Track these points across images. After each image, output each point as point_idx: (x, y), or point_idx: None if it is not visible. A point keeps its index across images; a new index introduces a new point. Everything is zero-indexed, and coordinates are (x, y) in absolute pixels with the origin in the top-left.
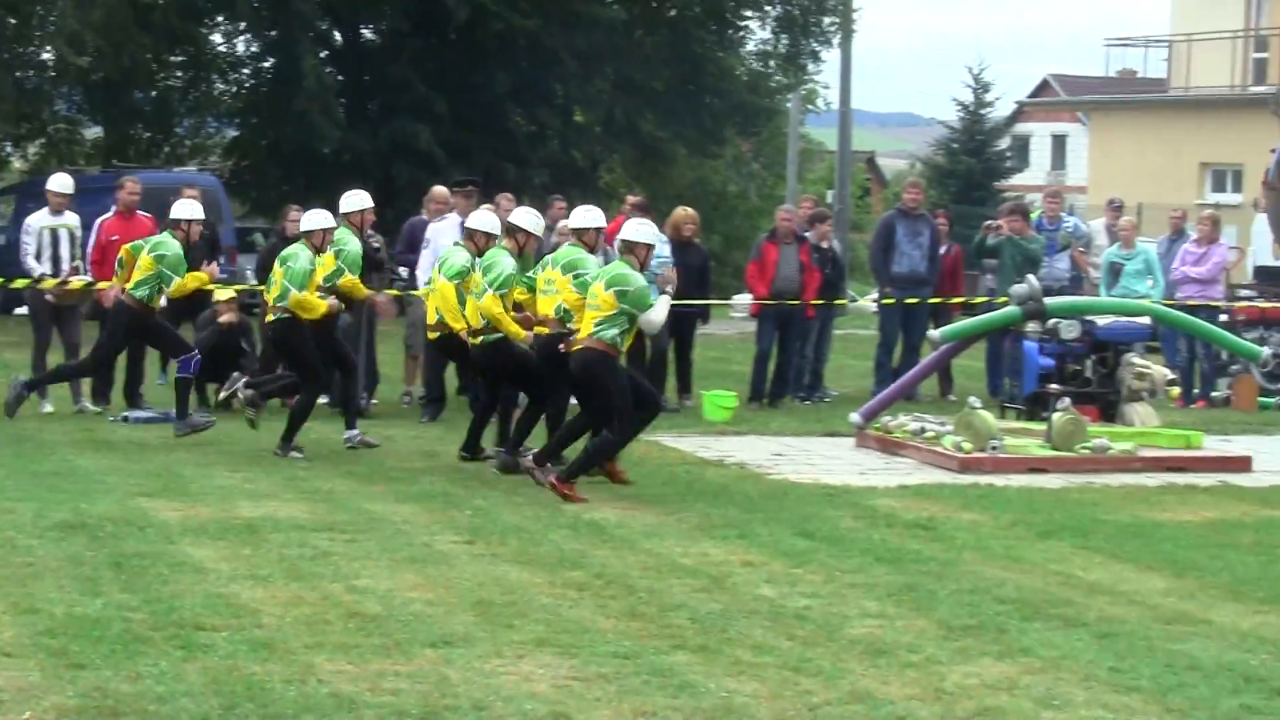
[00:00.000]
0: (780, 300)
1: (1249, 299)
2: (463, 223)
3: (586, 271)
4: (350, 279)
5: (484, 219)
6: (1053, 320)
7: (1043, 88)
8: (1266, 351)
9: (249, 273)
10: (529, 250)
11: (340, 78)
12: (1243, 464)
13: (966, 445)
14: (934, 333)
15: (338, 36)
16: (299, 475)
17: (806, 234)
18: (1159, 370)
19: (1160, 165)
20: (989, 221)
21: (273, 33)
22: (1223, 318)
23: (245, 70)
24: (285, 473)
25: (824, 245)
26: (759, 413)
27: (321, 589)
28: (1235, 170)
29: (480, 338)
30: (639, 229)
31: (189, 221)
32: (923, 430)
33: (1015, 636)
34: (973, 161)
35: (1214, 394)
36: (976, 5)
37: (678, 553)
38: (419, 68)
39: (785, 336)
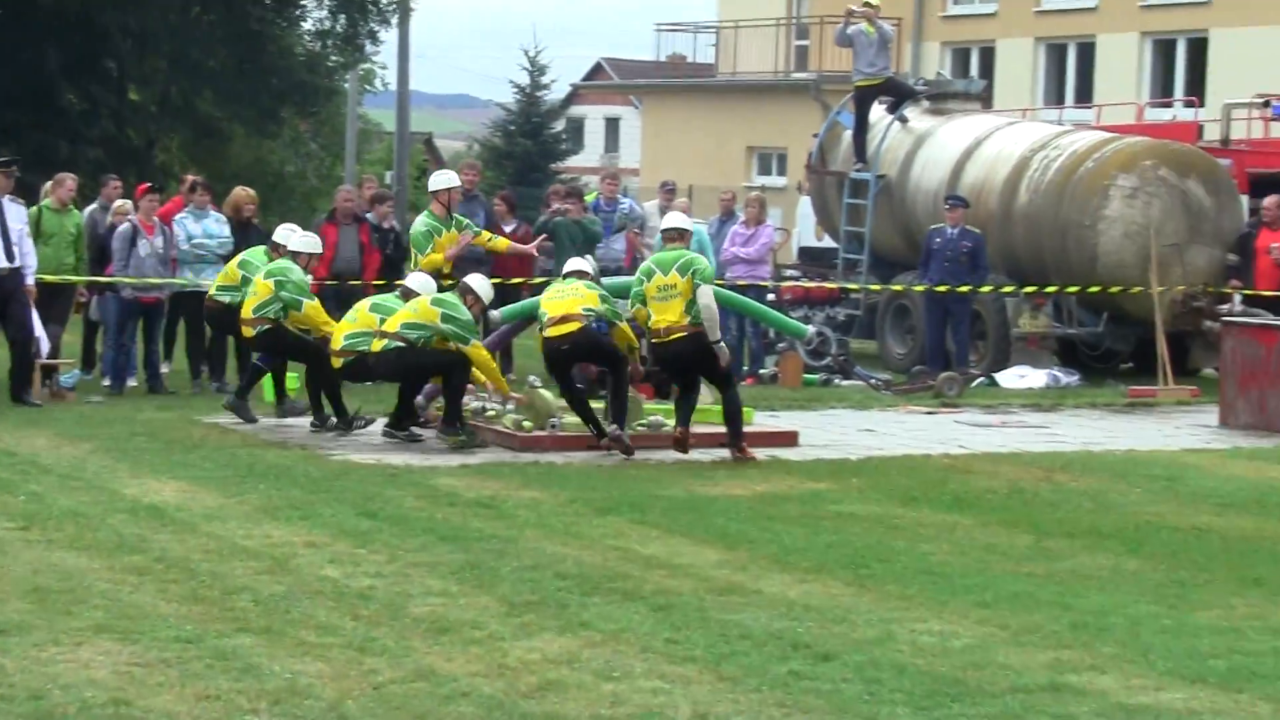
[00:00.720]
0: (340, 281)
1: (794, 279)
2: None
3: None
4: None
5: (422, 281)
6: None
7: (596, 71)
8: (811, 330)
9: None
10: (476, 314)
11: None
12: (790, 439)
13: (527, 424)
14: (494, 313)
15: None
16: None
17: (368, 215)
18: None
19: (709, 148)
20: (557, 205)
21: None
22: (770, 297)
23: None
24: None
25: (385, 226)
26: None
27: None
28: (780, 154)
29: (383, 342)
30: (680, 219)
31: (309, 256)
32: (484, 409)
33: (576, 611)
34: (529, 143)
35: (762, 371)
36: None
37: (240, 535)
38: None
39: None
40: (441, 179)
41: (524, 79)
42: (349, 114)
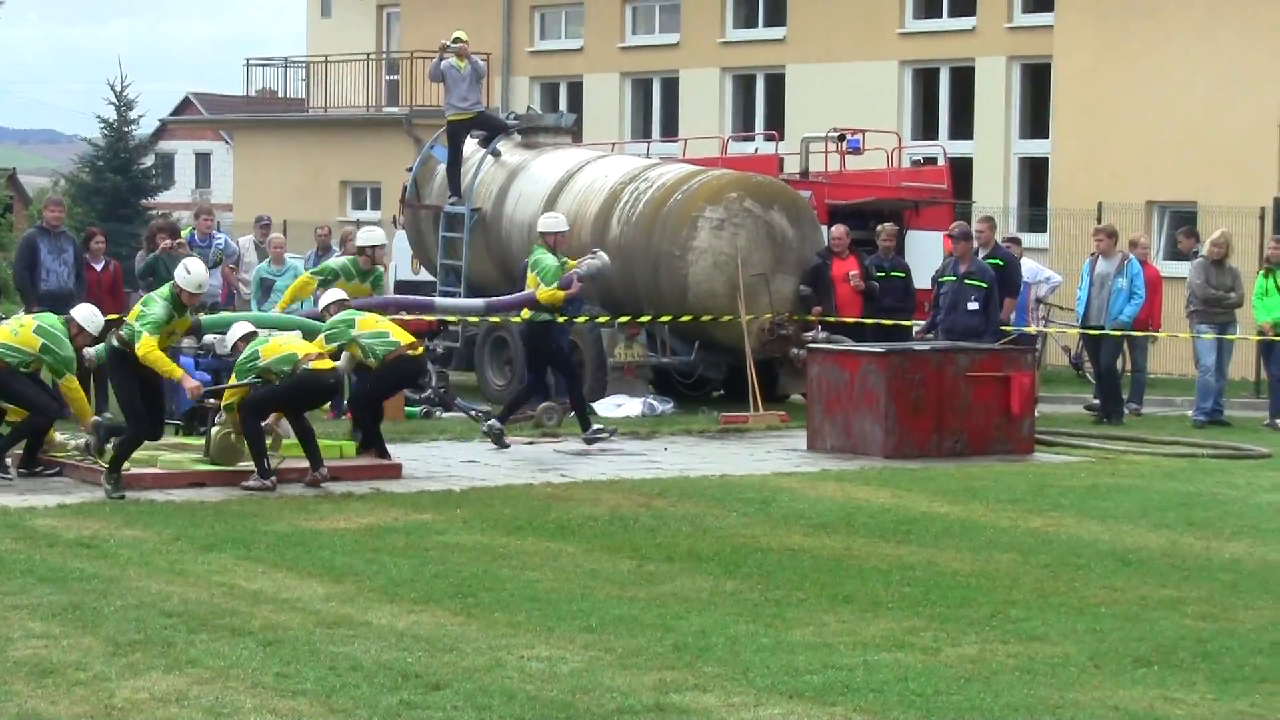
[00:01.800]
0: None
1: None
2: None
3: None
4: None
5: (88, 314)
6: (209, 336)
7: (185, 105)
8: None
9: None
10: (80, 344)
11: None
12: (393, 471)
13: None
14: (89, 351)
15: None
16: None
17: None
18: None
19: (303, 183)
20: (167, 241)
21: None
22: None
23: None
24: None
25: None
26: None
27: None
28: (374, 188)
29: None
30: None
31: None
32: (87, 447)
33: (183, 648)
34: (119, 179)
35: None
36: (115, 21)
37: None
38: None
39: None
40: (552, 221)
41: (111, 113)
42: None
